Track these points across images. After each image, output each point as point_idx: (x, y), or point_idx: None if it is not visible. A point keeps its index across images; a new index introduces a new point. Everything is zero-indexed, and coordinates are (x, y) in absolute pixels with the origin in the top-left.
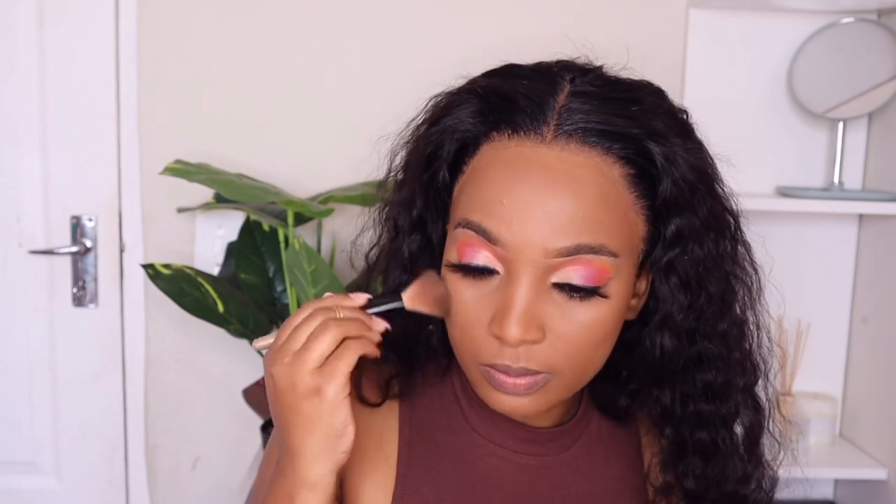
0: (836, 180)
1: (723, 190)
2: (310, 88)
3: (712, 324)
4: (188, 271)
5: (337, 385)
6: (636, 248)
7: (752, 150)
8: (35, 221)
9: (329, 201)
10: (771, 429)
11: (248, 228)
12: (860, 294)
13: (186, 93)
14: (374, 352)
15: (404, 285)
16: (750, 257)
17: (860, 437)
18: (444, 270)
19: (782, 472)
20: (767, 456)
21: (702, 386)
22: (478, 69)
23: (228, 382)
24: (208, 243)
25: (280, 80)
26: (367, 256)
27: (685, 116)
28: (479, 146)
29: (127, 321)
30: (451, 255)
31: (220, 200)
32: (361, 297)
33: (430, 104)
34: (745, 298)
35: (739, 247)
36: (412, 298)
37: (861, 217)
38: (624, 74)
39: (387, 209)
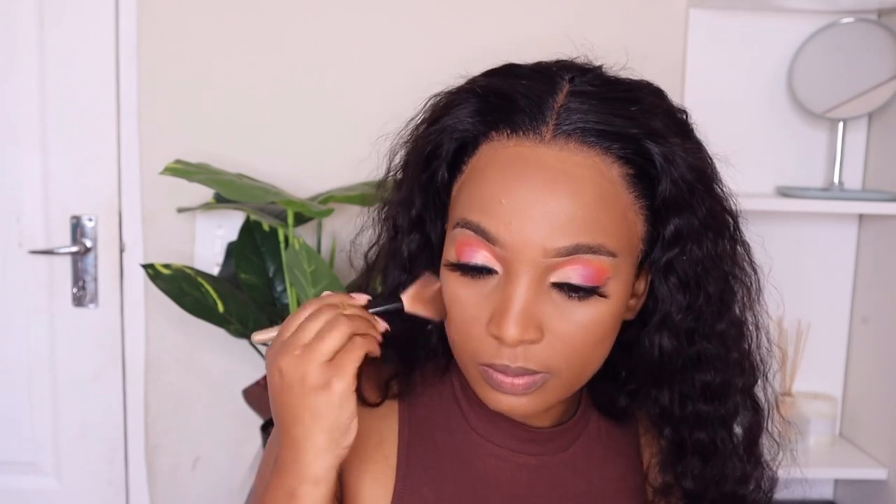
0: (836, 180)
1: (722, 190)
2: (310, 88)
3: (711, 324)
4: (188, 271)
5: (346, 379)
6: (635, 248)
7: (751, 150)
8: (35, 221)
9: (329, 201)
10: (770, 429)
11: (248, 228)
12: (860, 294)
13: (186, 93)
14: (376, 351)
15: (404, 286)
16: (749, 257)
17: (860, 437)
18: (442, 270)
19: (781, 473)
20: (766, 456)
21: (700, 386)
22: (478, 69)
23: (228, 382)
24: (208, 243)
25: (280, 80)
26: (366, 256)
27: (684, 116)
28: (478, 146)
29: (127, 321)
30: (449, 254)
31: (220, 200)
32: (363, 298)
33: (429, 104)
34: (744, 299)
35: (738, 247)
36: (412, 301)
37: (861, 217)
38: (623, 74)
39: (386, 209)
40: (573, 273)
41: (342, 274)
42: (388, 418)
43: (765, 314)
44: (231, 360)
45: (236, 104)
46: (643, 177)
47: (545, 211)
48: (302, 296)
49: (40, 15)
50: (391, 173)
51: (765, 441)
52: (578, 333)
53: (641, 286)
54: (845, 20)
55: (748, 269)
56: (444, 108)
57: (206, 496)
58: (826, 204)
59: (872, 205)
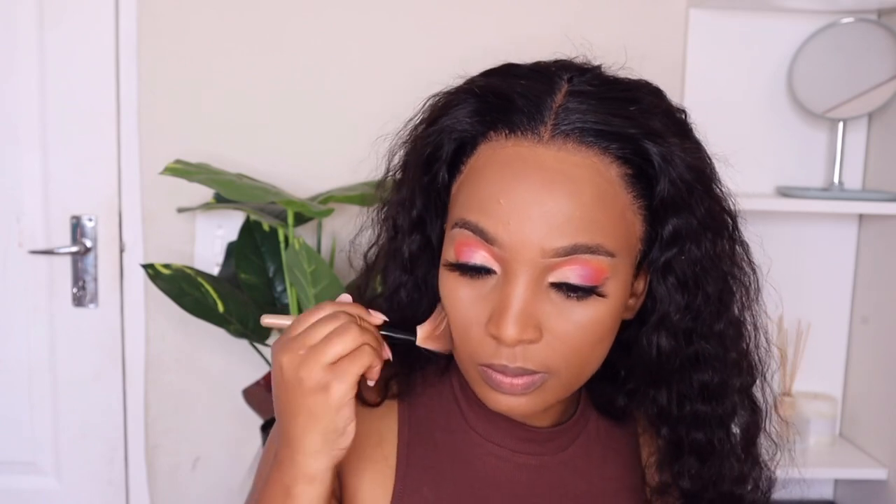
0: (836, 180)
1: (721, 190)
2: (310, 88)
3: (709, 324)
4: (188, 271)
5: (346, 385)
6: (634, 248)
7: (751, 150)
8: (35, 221)
9: (329, 201)
10: (768, 429)
11: (248, 228)
12: (860, 294)
13: (186, 93)
14: (377, 372)
15: (416, 313)
16: (748, 257)
17: (860, 437)
18: (441, 270)
19: (780, 473)
20: (765, 456)
21: (698, 386)
22: (477, 69)
23: (228, 382)
24: (208, 243)
25: (280, 80)
26: (365, 256)
27: (683, 116)
28: (477, 146)
29: (127, 321)
30: (448, 254)
31: (220, 200)
32: (379, 318)
33: (427, 104)
34: (743, 299)
35: (737, 247)
36: (425, 338)
37: (861, 217)
38: (623, 74)
39: (385, 209)
40: (571, 273)
41: (342, 274)
42: (388, 418)
43: (763, 314)
44: (231, 360)
45: (236, 104)
46: (642, 177)
47: (543, 211)
48: (302, 296)
49: (40, 15)
50: (390, 173)
51: (763, 441)
52: (577, 333)
53: (640, 286)
54: (845, 20)
55: (747, 269)
56: (443, 108)
57: (206, 496)
58: (826, 204)
59: (872, 205)
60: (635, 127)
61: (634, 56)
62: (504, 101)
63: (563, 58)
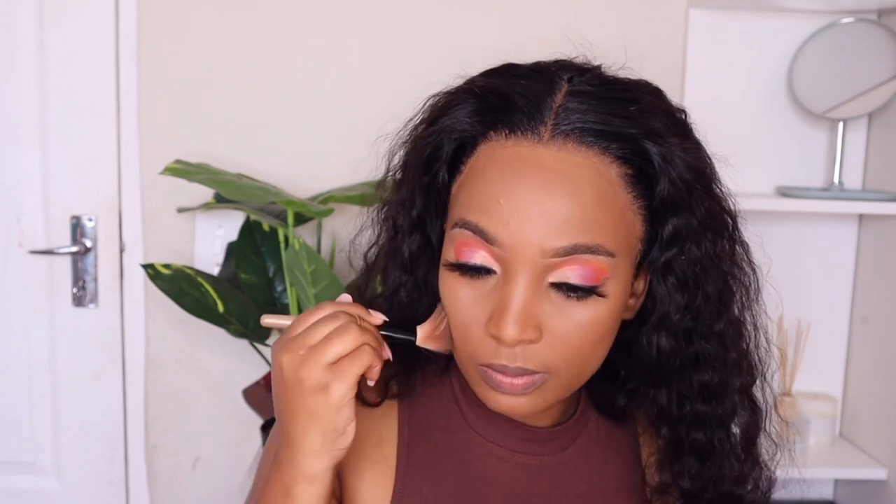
0: (836, 180)
1: (721, 190)
2: (310, 88)
3: (709, 324)
4: (188, 271)
5: (346, 385)
6: (634, 248)
7: (751, 150)
8: (35, 221)
9: (329, 201)
10: (768, 429)
11: (248, 228)
12: (860, 294)
13: (186, 93)
14: (376, 372)
15: (419, 320)
16: (748, 257)
17: (860, 437)
18: (441, 269)
19: (780, 473)
20: (765, 456)
21: (698, 386)
22: (477, 69)
23: (228, 382)
24: (208, 243)
25: (280, 80)
26: (365, 256)
27: (683, 116)
28: (477, 146)
29: (127, 321)
30: (448, 254)
31: (220, 200)
32: (379, 318)
33: (427, 104)
34: (743, 299)
35: (737, 247)
36: (425, 338)
37: (861, 217)
38: (623, 74)
39: (385, 209)
40: (571, 273)
41: (342, 274)
42: (388, 418)
43: (763, 314)
44: (231, 360)
45: (236, 104)
46: (642, 177)
47: (543, 211)
48: (302, 296)
49: (40, 15)
50: (390, 173)
51: (763, 441)
52: (577, 333)
53: (640, 286)
54: (845, 20)
55: (747, 268)
56: (443, 108)
57: (206, 496)
58: (826, 204)
59: (872, 205)
60: (635, 127)
61: (634, 56)
62: (504, 101)
63: (563, 58)
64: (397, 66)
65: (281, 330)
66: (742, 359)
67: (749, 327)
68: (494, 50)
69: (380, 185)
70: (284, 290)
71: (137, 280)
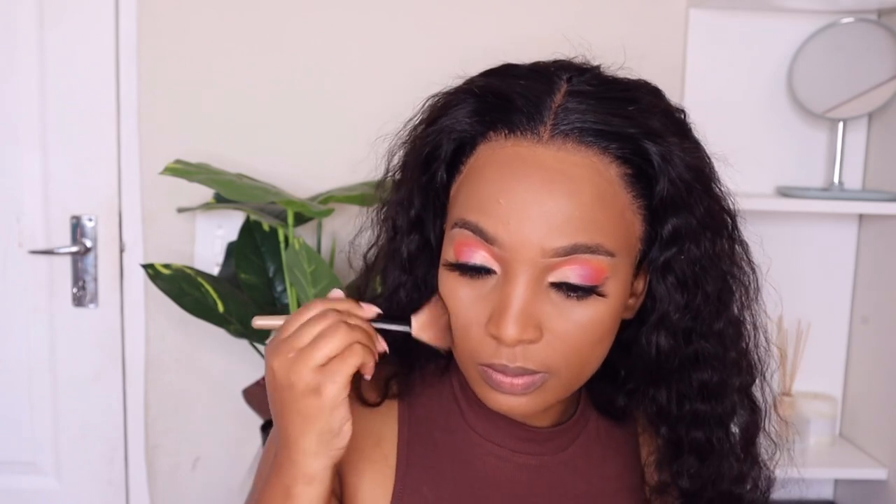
0: (836, 180)
1: (720, 189)
2: (310, 88)
3: (709, 323)
4: (188, 271)
5: (338, 386)
6: (633, 248)
7: (751, 150)
8: (35, 221)
9: (329, 201)
10: (768, 428)
11: (248, 228)
12: (860, 294)
13: (186, 93)
14: (371, 367)
15: (414, 310)
16: (747, 257)
17: (860, 437)
18: (441, 270)
19: (779, 473)
20: (764, 455)
21: (698, 385)
22: (477, 69)
23: (228, 382)
24: (208, 243)
25: (280, 80)
26: (364, 257)
27: (682, 115)
28: (476, 146)
29: (127, 321)
30: (448, 254)
31: (220, 200)
32: (373, 310)
33: (426, 104)
34: (742, 298)
35: (737, 246)
36: (420, 327)
37: (861, 217)
38: (622, 74)
39: (385, 209)
40: (571, 273)
41: (342, 274)
42: (388, 417)
43: (763, 313)
44: (231, 360)
45: (236, 104)
46: (641, 176)
47: (543, 211)
48: (302, 296)
49: (40, 15)
50: (390, 174)
51: (762, 440)
52: (577, 333)
53: (640, 285)
54: (845, 20)
55: (746, 268)
56: (442, 108)
57: (206, 496)
58: (826, 204)
59: (872, 205)
60: (634, 126)
61: (634, 56)
62: (503, 101)
63: (563, 58)
64: (397, 66)
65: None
66: (741, 358)
67: (748, 327)
68: (494, 50)
69: (379, 185)
70: (284, 290)
71: (137, 280)
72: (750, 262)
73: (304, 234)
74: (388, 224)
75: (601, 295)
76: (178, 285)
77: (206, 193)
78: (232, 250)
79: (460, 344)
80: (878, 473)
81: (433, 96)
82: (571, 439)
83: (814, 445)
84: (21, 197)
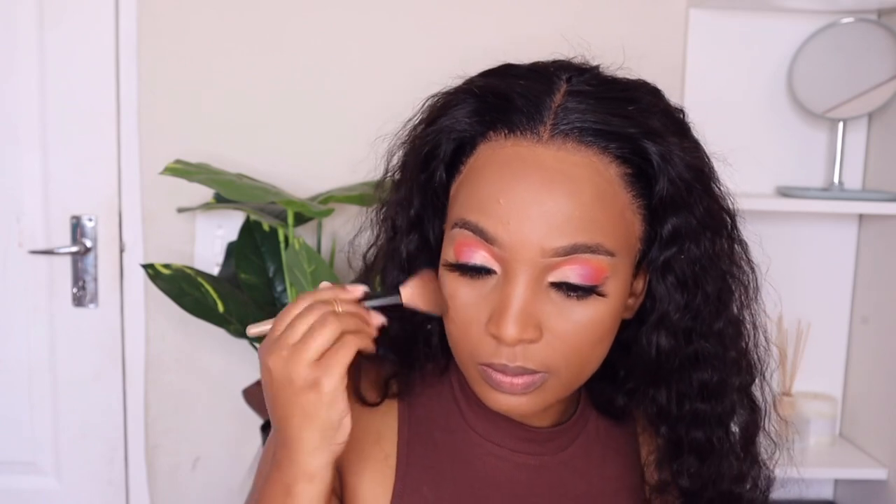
0: (836, 180)
1: (719, 189)
2: (310, 88)
3: (709, 323)
4: (188, 271)
5: (335, 378)
6: (633, 248)
7: (751, 150)
8: (35, 221)
9: (329, 201)
10: (767, 428)
11: (248, 228)
12: (860, 294)
13: (186, 93)
14: (370, 347)
15: (402, 282)
16: (747, 256)
17: (860, 437)
18: (441, 270)
19: (779, 472)
20: (764, 455)
21: (698, 385)
22: (477, 69)
23: (228, 382)
24: (208, 243)
25: (280, 80)
26: (364, 257)
27: (682, 115)
28: (476, 146)
29: (127, 321)
30: (448, 254)
31: (220, 200)
32: (359, 290)
33: (426, 104)
34: (742, 297)
35: (736, 246)
36: (410, 295)
37: (861, 217)
38: (622, 74)
39: (384, 209)
40: (571, 272)
41: (342, 274)
42: (388, 417)
43: (763, 313)
44: (231, 360)
45: (236, 104)
46: (641, 176)
47: (543, 211)
48: None
49: (40, 15)
50: (389, 174)
51: (762, 440)
52: (577, 332)
53: (640, 285)
54: (845, 20)
55: (746, 267)
56: (442, 108)
57: (206, 496)
58: (826, 204)
59: (872, 205)
60: (634, 126)
61: (634, 56)
62: (503, 101)
63: (562, 58)
64: (397, 66)
65: None
66: (741, 357)
67: (748, 326)
68: (494, 50)
69: (379, 185)
70: (284, 290)
71: (137, 280)
72: (749, 261)
73: (304, 234)
74: (388, 224)
75: (601, 295)
76: (178, 285)
77: (206, 193)
78: (232, 250)
79: (460, 343)
80: (878, 473)
81: (433, 96)
82: (571, 439)
83: (814, 445)
84: (21, 197)
